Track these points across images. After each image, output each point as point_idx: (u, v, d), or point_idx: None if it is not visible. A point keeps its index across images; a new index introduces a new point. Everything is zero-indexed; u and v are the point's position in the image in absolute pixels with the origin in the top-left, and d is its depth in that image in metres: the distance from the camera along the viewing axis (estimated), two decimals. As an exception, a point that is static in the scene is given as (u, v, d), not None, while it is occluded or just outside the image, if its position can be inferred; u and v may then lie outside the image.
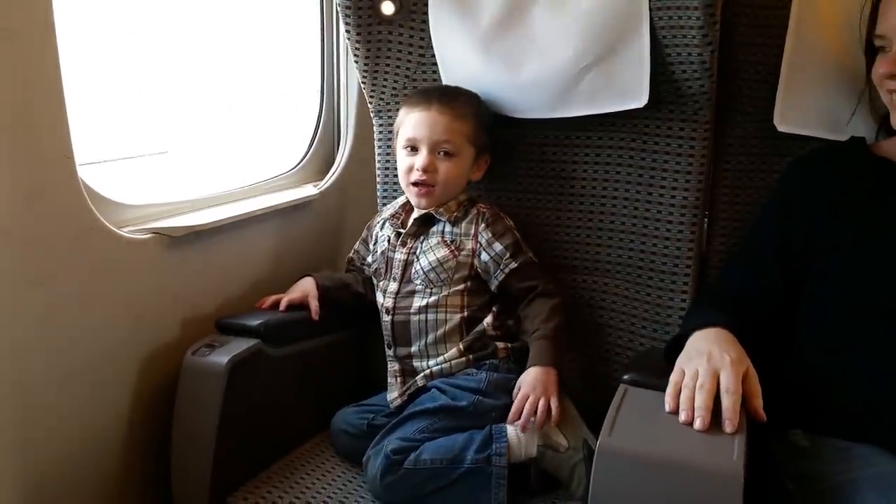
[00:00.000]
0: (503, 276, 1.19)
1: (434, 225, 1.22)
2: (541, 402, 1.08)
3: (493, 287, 1.20)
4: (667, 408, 0.86)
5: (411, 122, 1.21)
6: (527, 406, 1.08)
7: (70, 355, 1.02)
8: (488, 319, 1.19)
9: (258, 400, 1.14)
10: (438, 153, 1.19)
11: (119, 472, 1.12)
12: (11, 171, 0.90)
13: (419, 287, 1.20)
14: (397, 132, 1.25)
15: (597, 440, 0.81)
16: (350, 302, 1.30)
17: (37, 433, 0.99)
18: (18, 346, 0.95)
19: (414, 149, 1.21)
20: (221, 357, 1.07)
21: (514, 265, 1.18)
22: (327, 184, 1.54)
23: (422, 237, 1.22)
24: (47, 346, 0.99)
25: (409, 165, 1.21)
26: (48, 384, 1.00)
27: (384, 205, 1.38)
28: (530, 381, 1.10)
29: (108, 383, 1.09)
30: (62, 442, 1.03)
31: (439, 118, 1.19)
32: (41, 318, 0.97)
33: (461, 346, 1.17)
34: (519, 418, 1.08)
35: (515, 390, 1.11)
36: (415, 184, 1.20)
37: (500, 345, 1.18)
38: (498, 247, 1.19)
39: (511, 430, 1.08)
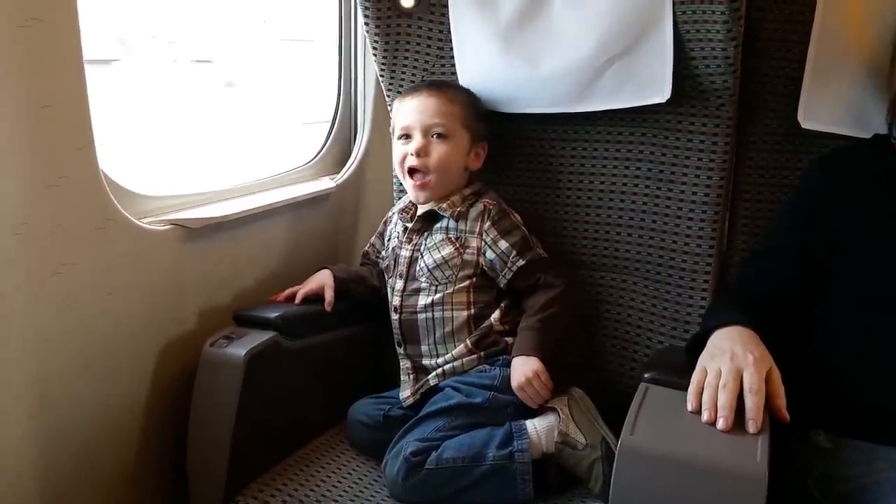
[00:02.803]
0: (511, 274, 1.17)
1: (438, 221, 1.21)
2: (535, 385, 1.09)
3: (501, 285, 1.19)
4: (689, 407, 0.85)
5: (403, 112, 1.21)
6: (529, 396, 1.10)
7: (89, 345, 1.02)
8: (496, 315, 1.18)
9: (274, 392, 1.14)
10: (431, 136, 1.18)
11: (135, 462, 1.12)
12: (33, 161, 0.90)
13: (424, 285, 1.19)
14: (393, 130, 1.24)
15: (615, 438, 0.81)
16: (366, 295, 1.30)
17: (55, 422, 0.99)
18: (38, 335, 0.95)
19: (408, 137, 1.20)
20: (239, 349, 1.07)
21: (521, 263, 1.17)
22: (344, 177, 1.53)
23: (426, 233, 1.21)
24: (66, 336, 0.99)
25: (403, 154, 1.20)
26: (67, 374, 1.00)
27: (400, 198, 1.37)
28: (516, 376, 1.10)
29: (127, 373, 1.09)
30: (80, 431, 1.03)
31: (430, 101, 1.19)
32: (60, 308, 0.97)
33: (468, 343, 1.17)
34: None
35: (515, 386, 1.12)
36: (411, 172, 1.19)
37: (511, 340, 1.17)
38: (504, 244, 1.17)
39: (531, 426, 1.08)
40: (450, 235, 1.19)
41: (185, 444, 1.08)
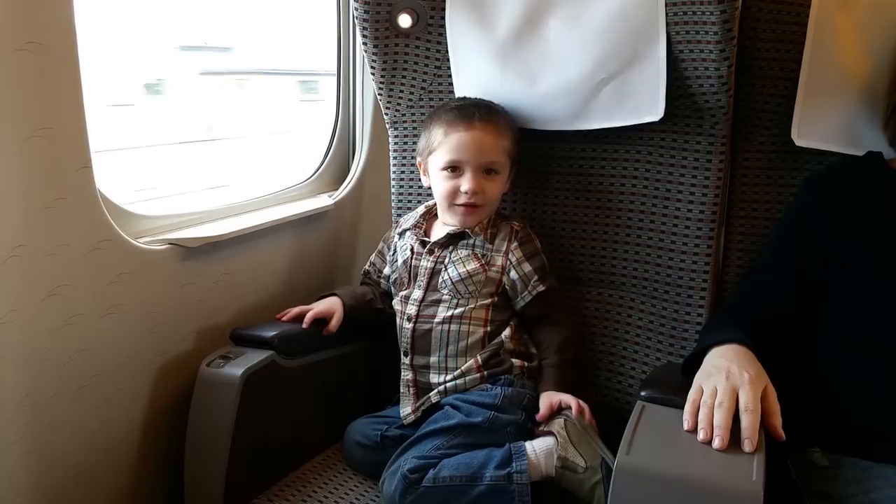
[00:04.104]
0: (530, 297, 1.19)
1: (466, 238, 1.22)
2: (575, 403, 1.11)
3: (518, 307, 1.20)
4: (685, 426, 0.85)
5: (452, 144, 1.18)
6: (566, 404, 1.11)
7: (85, 365, 1.02)
8: (507, 333, 1.18)
9: (271, 412, 1.13)
10: (485, 172, 1.19)
11: (132, 482, 1.12)
12: (30, 182, 0.91)
13: (446, 297, 1.19)
14: (431, 151, 1.22)
15: (614, 457, 0.80)
16: (371, 318, 1.30)
17: (52, 442, 0.99)
18: (34, 356, 0.95)
19: (456, 170, 1.19)
20: (236, 369, 1.07)
21: (541, 288, 1.19)
22: (342, 194, 1.54)
23: (451, 247, 1.22)
24: (62, 357, 0.99)
25: (453, 188, 1.19)
26: (64, 393, 1.00)
27: (399, 215, 1.38)
28: (554, 395, 1.13)
29: (123, 393, 1.09)
30: (77, 450, 1.03)
31: (484, 137, 1.18)
32: (57, 329, 0.98)
33: (479, 359, 1.17)
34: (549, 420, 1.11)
35: (543, 407, 1.12)
36: (463, 205, 1.19)
37: (517, 362, 1.18)
38: (528, 267, 1.19)
39: (530, 448, 1.07)
40: (476, 252, 1.20)
41: (181, 464, 1.08)
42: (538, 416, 1.11)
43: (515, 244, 1.19)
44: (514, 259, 1.19)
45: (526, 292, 1.19)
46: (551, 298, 1.21)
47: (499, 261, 1.19)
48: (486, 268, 1.18)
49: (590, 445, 1.07)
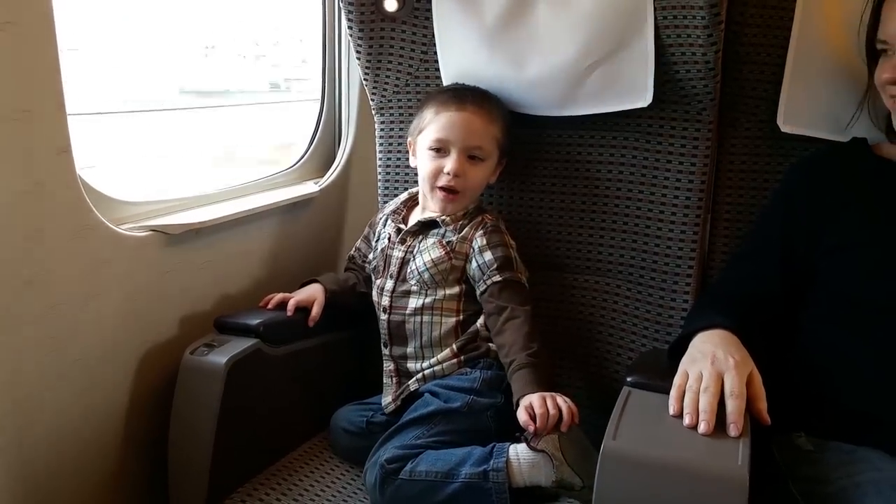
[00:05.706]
0: (485, 286, 1.16)
1: (436, 227, 1.21)
2: (556, 404, 1.01)
3: (478, 295, 1.17)
4: (671, 411, 0.86)
5: (441, 123, 1.18)
6: (543, 415, 1.00)
7: (66, 353, 1.01)
8: (481, 321, 1.17)
9: (256, 400, 1.13)
10: (469, 157, 1.18)
11: (115, 472, 1.11)
12: (8, 166, 0.89)
13: (414, 288, 1.19)
14: (420, 131, 1.22)
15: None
16: (355, 304, 1.29)
17: (32, 431, 0.98)
18: (14, 343, 0.94)
19: (441, 150, 1.18)
20: (220, 357, 1.06)
21: (497, 278, 1.15)
22: (328, 181, 1.53)
23: (421, 237, 1.21)
24: (43, 344, 0.97)
25: (436, 168, 1.18)
26: (44, 382, 0.98)
27: (385, 202, 1.37)
28: (530, 402, 1.02)
29: (105, 382, 1.08)
30: (58, 440, 1.02)
31: (474, 120, 1.17)
32: (37, 316, 0.96)
33: (454, 347, 1.16)
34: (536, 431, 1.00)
35: (521, 417, 1.02)
36: (442, 188, 1.18)
37: (493, 346, 1.16)
38: (488, 256, 1.16)
39: (513, 451, 1.02)
40: (443, 240, 1.19)
41: (165, 453, 1.07)
42: (538, 428, 1.00)
43: (481, 232, 1.18)
44: (476, 247, 1.17)
45: (481, 282, 1.16)
46: (510, 292, 1.14)
47: (464, 249, 1.18)
48: (451, 256, 1.17)
49: (588, 464, 1.00)
